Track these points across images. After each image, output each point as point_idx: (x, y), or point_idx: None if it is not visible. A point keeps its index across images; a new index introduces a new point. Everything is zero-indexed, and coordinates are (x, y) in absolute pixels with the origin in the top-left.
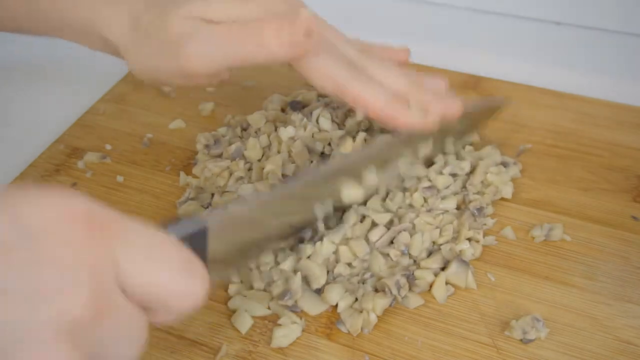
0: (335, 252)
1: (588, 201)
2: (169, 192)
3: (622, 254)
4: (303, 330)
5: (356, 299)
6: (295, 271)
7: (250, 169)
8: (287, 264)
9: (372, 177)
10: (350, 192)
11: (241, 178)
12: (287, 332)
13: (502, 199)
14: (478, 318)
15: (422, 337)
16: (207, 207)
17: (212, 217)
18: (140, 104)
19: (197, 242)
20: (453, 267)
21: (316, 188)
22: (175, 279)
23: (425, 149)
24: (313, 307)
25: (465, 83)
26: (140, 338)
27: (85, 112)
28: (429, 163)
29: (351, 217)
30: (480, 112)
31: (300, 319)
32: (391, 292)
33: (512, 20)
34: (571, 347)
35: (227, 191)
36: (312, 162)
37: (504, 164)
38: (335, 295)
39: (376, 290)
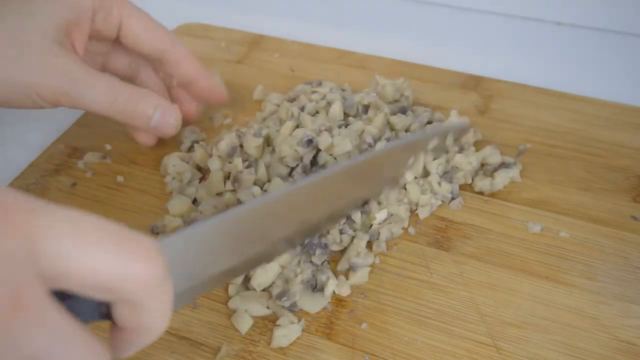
0: None
1: (588, 201)
2: (169, 193)
3: (622, 254)
4: (303, 330)
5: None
6: None
7: (249, 166)
8: None
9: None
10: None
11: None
12: (287, 332)
13: (502, 199)
14: (478, 318)
15: (422, 337)
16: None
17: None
18: None
19: None
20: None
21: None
22: (109, 258)
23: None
24: (312, 305)
25: (465, 83)
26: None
27: (86, 112)
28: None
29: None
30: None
31: (299, 319)
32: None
33: (512, 20)
34: (571, 347)
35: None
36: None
37: (504, 164)
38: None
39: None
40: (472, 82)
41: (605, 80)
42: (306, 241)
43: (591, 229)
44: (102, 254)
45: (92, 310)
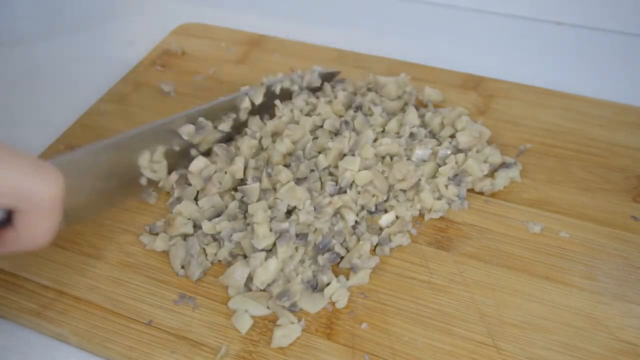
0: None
1: (588, 201)
2: (169, 192)
3: (622, 254)
4: (303, 330)
5: None
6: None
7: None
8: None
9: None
10: None
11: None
12: (287, 332)
13: (502, 199)
14: (478, 318)
15: (422, 337)
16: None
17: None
18: (140, 104)
19: None
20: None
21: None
22: (24, 179)
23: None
24: (312, 305)
25: (465, 83)
26: None
27: (85, 112)
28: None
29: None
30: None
31: (299, 319)
32: None
33: (512, 20)
34: (571, 347)
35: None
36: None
37: (505, 164)
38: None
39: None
40: (472, 82)
41: (605, 80)
42: (318, 241)
43: (591, 229)
44: (15, 173)
45: None
